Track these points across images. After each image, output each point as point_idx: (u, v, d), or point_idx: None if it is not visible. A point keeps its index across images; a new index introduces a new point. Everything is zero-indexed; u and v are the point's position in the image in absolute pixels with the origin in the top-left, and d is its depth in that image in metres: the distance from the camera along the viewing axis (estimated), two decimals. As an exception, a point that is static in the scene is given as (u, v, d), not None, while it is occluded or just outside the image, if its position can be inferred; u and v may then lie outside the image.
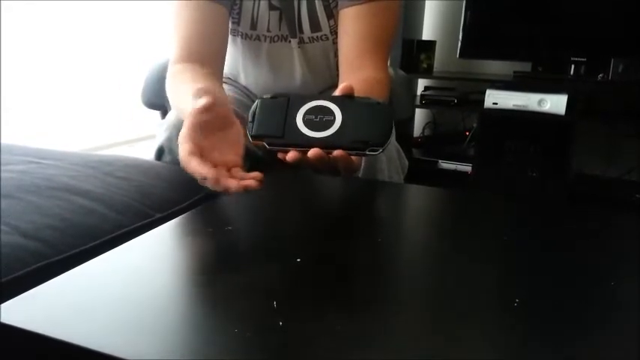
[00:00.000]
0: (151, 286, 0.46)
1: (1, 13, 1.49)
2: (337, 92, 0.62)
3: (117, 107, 1.95)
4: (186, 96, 0.71)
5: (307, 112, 0.60)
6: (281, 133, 0.60)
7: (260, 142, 0.61)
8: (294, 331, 0.39)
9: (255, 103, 0.63)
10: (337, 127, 0.59)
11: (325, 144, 0.58)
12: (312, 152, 0.57)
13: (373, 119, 0.60)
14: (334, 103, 0.61)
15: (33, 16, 1.63)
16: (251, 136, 0.62)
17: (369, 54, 0.90)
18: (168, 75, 0.91)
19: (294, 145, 0.59)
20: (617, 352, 0.38)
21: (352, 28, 0.91)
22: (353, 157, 0.60)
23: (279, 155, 0.61)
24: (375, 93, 0.76)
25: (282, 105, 0.61)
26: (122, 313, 0.40)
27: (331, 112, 0.60)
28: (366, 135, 0.59)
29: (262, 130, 0.61)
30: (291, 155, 0.59)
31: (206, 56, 0.91)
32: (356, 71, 0.88)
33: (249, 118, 0.62)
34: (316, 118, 0.60)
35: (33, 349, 0.39)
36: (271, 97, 0.62)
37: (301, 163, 0.60)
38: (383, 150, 0.59)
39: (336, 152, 0.58)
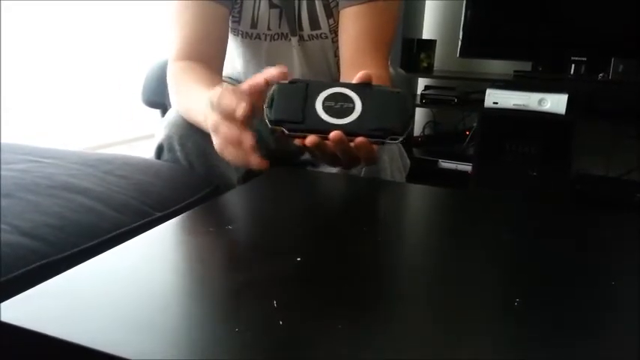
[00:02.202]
0: (151, 285, 0.46)
1: (1, 13, 1.48)
2: (355, 80, 0.62)
3: (117, 106, 1.95)
4: (197, 97, 0.71)
5: (327, 99, 0.59)
6: (301, 118, 0.59)
7: (279, 128, 0.60)
8: (295, 331, 0.39)
9: (273, 88, 0.61)
10: (357, 114, 0.58)
11: (345, 131, 0.57)
12: (334, 134, 0.56)
13: (394, 107, 0.59)
14: (353, 90, 0.60)
15: (33, 16, 1.62)
16: (269, 121, 0.60)
17: (369, 53, 0.90)
18: (169, 73, 0.91)
19: (314, 131, 0.58)
20: (617, 352, 0.38)
21: (353, 28, 0.91)
22: (373, 146, 0.60)
23: (297, 141, 0.60)
24: None
25: (301, 91, 0.60)
26: (122, 312, 0.40)
27: (351, 100, 0.59)
28: (387, 123, 0.58)
29: (281, 116, 0.59)
30: (311, 140, 0.58)
31: (206, 56, 0.91)
32: (357, 69, 0.88)
33: (267, 104, 0.60)
34: (336, 104, 0.59)
35: (33, 348, 0.39)
36: (289, 83, 0.61)
37: (319, 149, 0.59)
38: (403, 139, 0.59)
39: (359, 139, 0.57)
